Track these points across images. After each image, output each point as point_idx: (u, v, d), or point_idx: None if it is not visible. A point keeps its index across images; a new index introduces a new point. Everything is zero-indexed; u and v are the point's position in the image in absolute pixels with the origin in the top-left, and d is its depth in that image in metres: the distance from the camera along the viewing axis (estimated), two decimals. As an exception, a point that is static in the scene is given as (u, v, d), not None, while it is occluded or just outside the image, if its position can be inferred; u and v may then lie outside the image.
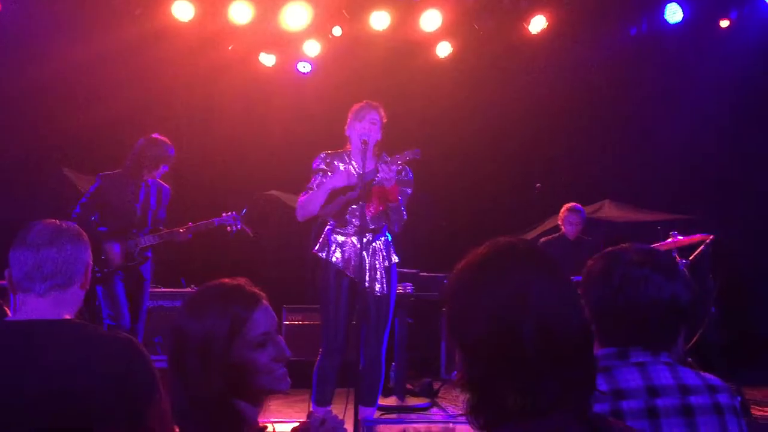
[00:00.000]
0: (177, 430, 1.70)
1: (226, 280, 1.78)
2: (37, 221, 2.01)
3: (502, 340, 1.20)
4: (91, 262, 2.07)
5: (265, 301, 1.77)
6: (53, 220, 2.03)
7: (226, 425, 1.64)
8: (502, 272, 1.26)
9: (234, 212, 5.16)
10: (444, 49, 7.31)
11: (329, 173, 4.26)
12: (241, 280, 1.77)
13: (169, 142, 5.02)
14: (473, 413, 1.25)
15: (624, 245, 1.75)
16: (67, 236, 1.99)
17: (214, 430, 1.64)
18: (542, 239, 6.41)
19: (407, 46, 7.27)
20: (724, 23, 6.94)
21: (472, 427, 1.26)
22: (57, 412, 1.79)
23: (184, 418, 1.68)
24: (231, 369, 1.65)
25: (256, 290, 1.78)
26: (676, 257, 5.21)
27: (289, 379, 1.77)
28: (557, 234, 6.33)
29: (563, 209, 6.30)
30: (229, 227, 5.14)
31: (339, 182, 4.16)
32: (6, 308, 2.38)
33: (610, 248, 1.76)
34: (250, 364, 1.68)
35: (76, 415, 1.80)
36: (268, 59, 7.22)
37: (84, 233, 2.07)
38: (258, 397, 1.74)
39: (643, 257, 1.69)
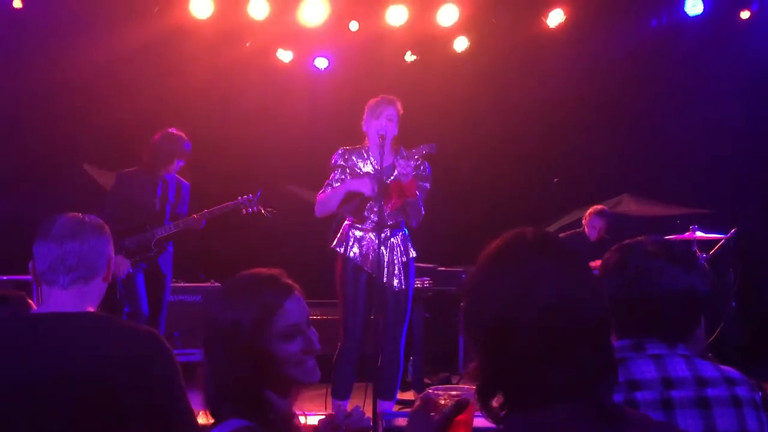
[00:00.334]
0: (207, 416, 1.71)
1: (262, 269, 1.77)
2: (61, 214, 2.04)
3: (507, 331, 1.21)
4: (113, 255, 2.10)
5: (297, 293, 1.74)
6: (76, 214, 2.05)
7: (252, 414, 1.62)
8: (508, 263, 1.26)
9: (250, 194, 5.17)
10: (461, 44, 7.29)
11: (347, 169, 4.28)
12: (276, 271, 1.76)
13: (184, 137, 5.04)
14: (484, 404, 1.26)
15: (640, 237, 1.74)
16: (90, 229, 2.01)
17: (240, 418, 1.61)
18: (561, 234, 6.40)
19: (424, 41, 7.26)
20: (745, 14, 6.86)
21: (485, 418, 1.27)
22: (80, 403, 1.82)
23: (213, 406, 1.68)
24: (257, 358, 1.64)
25: (290, 281, 1.76)
26: (696, 251, 5.17)
27: (318, 371, 1.75)
28: (578, 230, 6.33)
29: (590, 211, 6.38)
30: (244, 209, 5.13)
31: (361, 188, 4.17)
32: (30, 301, 2.42)
33: (624, 242, 1.75)
34: (278, 354, 1.66)
35: (98, 406, 1.83)
36: (285, 55, 7.24)
37: (106, 226, 2.09)
38: (287, 389, 1.72)
39: (659, 248, 1.68)
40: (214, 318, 1.70)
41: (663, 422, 1.46)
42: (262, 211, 5.22)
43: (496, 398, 1.26)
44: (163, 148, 4.96)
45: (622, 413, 1.23)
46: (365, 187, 4.16)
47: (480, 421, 1.37)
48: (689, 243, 5.20)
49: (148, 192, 4.96)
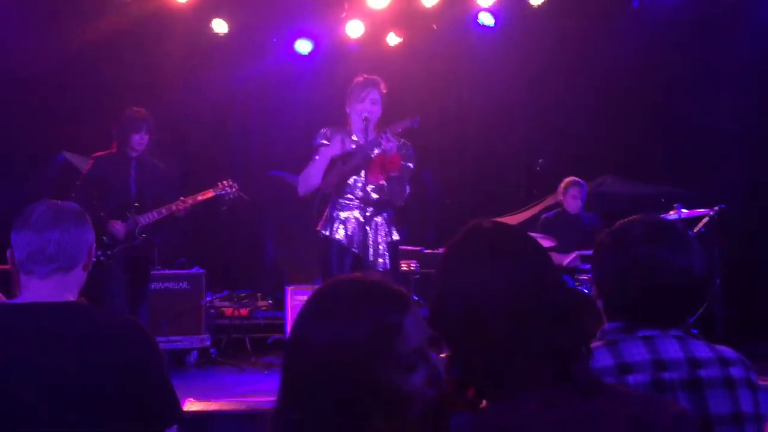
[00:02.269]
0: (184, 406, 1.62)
1: (358, 275, 1.34)
2: (39, 202, 1.99)
3: (475, 321, 1.24)
4: (93, 242, 2.06)
5: (415, 306, 1.30)
6: (55, 201, 2.01)
7: None
8: (468, 255, 1.30)
9: (230, 179, 5.17)
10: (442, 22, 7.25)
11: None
12: (379, 275, 1.34)
13: (141, 112, 4.96)
14: (461, 397, 1.28)
15: (634, 218, 1.69)
16: (70, 217, 1.98)
17: None
18: (544, 215, 6.38)
19: (407, 22, 7.22)
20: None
21: (458, 405, 1.28)
22: (62, 394, 1.80)
23: None
24: (375, 396, 1.20)
25: (403, 290, 1.31)
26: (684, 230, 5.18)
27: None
28: (558, 210, 6.29)
29: (564, 183, 6.21)
30: (226, 196, 5.12)
31: (335, 150, 4.16)
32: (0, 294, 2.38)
33: (619, 222, 1.71)
34: (404, 391, 1.22)
35: (80, 395, 1.81)
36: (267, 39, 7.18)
37: (86, 213, 2.05)
38: None
39: (653, 232, 1.63)
40: (305, 338, 1.25)
41: (645, 393, 1.45)
42: (244, 196, 5.22)
43: (471, 389, 1.28)
44: (120, 127, 4.95)
45: (599, 386, 1.24)
46: (336, 148, 4.15)
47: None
48: (679, 223, 5.22)
49: (122, 175, 4.92)
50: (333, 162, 4.18)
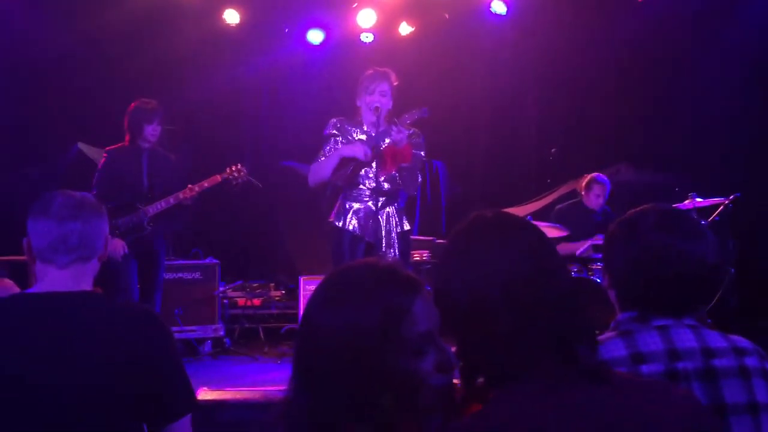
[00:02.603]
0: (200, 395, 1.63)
1: (370, 259, 1.34)
2: (57, 192, 2.00)
3: (481, 309, 1.24)
4: (109, 233, 2.08)
5: (425, 290, 1.28)
6: (73, 192, 2.03)
7: None
8: (471, 245, 1.30)
9: (238, 164, 5.15)
10: (454, 13, 7.21)
11: (341, 138, 4.27)
12: (391, 261, 1.32)
13: (148, 104, 4.95)
14: (468, 386, 1.29)
15: (645, 207, 1.68)
16: (90, 208, 1.99)
17: None
18: (558, 206, 6.32)
19: (418, 12, 7.19)
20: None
21: (466, 394, 1.29)
22: (79, 383, 1.81)
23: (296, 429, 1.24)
24: (385, 382, 1.19)
25: (413, 275, 1.31)
26: (697, 219, 5.15)
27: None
28: (572, 201, 6.23)
29: (588, 179, 6.08)
30: (234, 181, 5.11)
31: (354, 153, 4.15)
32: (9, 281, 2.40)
33: (631, 211, 1.70)
34: (413, 376, 1.20)
35: (98, 386, 1.82)
36: (279, 29, 7.17)
37: (102, 205, 2.07)
38: (421, 423, 1.23)
39: (666, 222, 1.62)
40: (316, 325, 1.24)
41: (654, 381, 1.44)
42: (254, 181, 5.21)
43: (479, 378, 1.29)
44: (132, 118, 4.94)
45: (607, 373, 1.23)
46: (358, 152, 4.14)
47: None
48: (693, 212, 5.18)
49: (134, 166, 4.94)
50: (344, 159, 4.18)
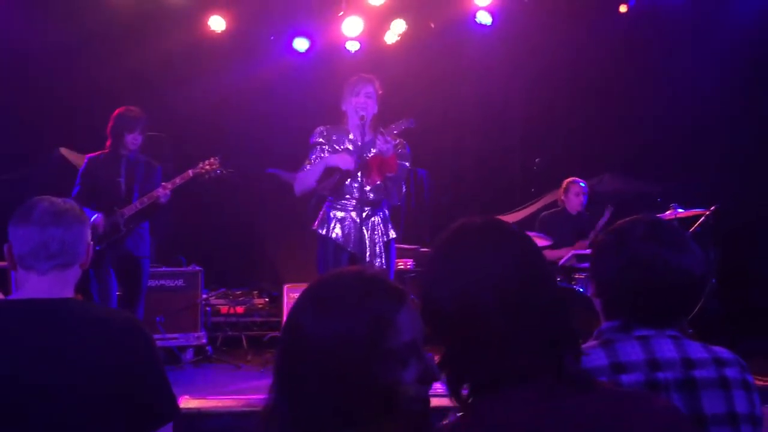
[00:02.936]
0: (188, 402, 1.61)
1: (356, 268, 1.35)
2: (39, 198, 1.99)
3: (467, 316, 1.23)
4: (91, 242, 2.07)
5: (410, 300, 1.29)
6: (56, 198, 2.02)
7: None
8: (460, 251, 1.29)
9: (211, 158, 5.12)
10: (439, 24, 7.25)
11: (326, 147, 4.26)
12: (378, 270, 1.38)
13: (134, 111, 4.96)
14: (454, 394, 1.27)
15: (634, 218, 1.69)
16: (72, 215, 1.98)
17: None
18: (543, 213, 6.37)
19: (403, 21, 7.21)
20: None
21: (452, 402, 1.27)
22: (58, 390, 1.80)
23: None
24: (369, 391, 1.19)
25: (400, 286, 1.32)
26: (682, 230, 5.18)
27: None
28: (557, 209, 6.29)
29: (565, 183, 6.20)
30: (207, 174, 5.08)
31: (340, 164, 4.15)
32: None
33: (620, 221, 1.71)
34: (397, 386, 1.21)
35: (78, 393, 1.81)
36: (264, 36, 7.17)
37: (84, 212, 2.06)
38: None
39: (654, 233, 1.63)
40: (305, 334, 1.23)
41: (636, 391, 1.45)
42: (229, 172, 5.19)
43: (464, 386, 1.27)
44: (113, 126, 4.94)
45: (590, 382, 1.23)
46: (345, 162, 4.13)
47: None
48: (674, 222, 5.22)
49: (113, 173, 4.93)
50: (330, 168, 4.18)
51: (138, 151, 5.02)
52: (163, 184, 4.94)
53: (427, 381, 1.25)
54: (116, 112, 4.98)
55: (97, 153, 5.04)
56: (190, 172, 5.05)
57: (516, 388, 1.20)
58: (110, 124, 4.96)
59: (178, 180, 4.98)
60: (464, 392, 1.27)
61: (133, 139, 4.93)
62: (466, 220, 1.34)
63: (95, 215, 4.77)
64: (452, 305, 1.25)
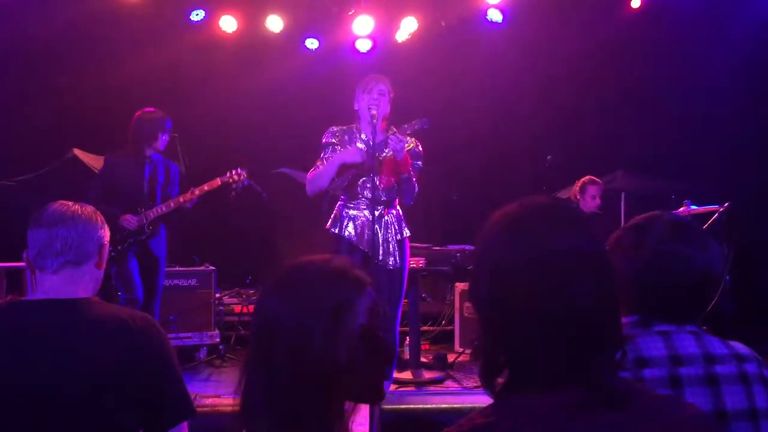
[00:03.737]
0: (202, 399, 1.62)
1: (322, 257, 1.44)
2: (53, 202, 2.04)
3: (515, 301, 1.15)
4: (107, 243, 2.09)
5: (370, 288, 1.42)
6: (67, 202, 2.06)
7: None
8: (523, 230, 1.18)
9: (238, 168, 5.13)
10: (452, 21, 7.24)
11: (338, 147, 4.27)
12: (342, 260, 1.45)
13: (161, 113, 5.02)
14: (485, 382, 1.21)
15: (651, 215, 1.69)
16: (78, 215, 2.01)
17: None
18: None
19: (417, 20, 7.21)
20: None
21: (486, 391, 1.22)
22: (76, 391, 1.81)
23: (257, 421, 1.37)
24: (328, 368, 1.33)
25: (361, 273, 1.43)
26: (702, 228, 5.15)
27: (386, 390, 1.46)
28: (572, 205, 6.25)
29: (581, 182, 6.07)
30: (234, 184, 5.09)
31: (351, 158, 4.15)
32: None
33: (638, 217, 1.70)
34: (353, 363, 1.35)
35: (93, 393, 1.82)
36: (275, 30, 7.18)
37: (99, 213, 2.08)
38: (348, 404, 1.43)
39: (675, 230, 1.63)
40: (276, 319, 1.36)
41: (671, 396, 1.42)
42: (255, 187, 5.21)
43: (494, 378, 1.21)
44: (144, 126, 4.96)
45: (627, 393, 1.15)
46: (356, 156, 4.13)
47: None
48: (696, 219, 5.20)
49: (136, 173, 4.96)
50: (343, 167, 4.18)
51: (161, 151, 5.08)
52: (191, 189, 4.96)
53: (379, 360, 1.39)
54: (144, 113, 5.00)
55: (116, 152, 5.07)
56: (219, 181, 5.06)
57: (545, 394, 1.12)
58: (138, 125, 4.97)
59: (206, 187, 5.01)
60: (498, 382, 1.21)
61: (164, 141, 5.00)
62: (532, 198, 1.24)
63: (127, 215, 4.82)
64: (498, 291, 1.17)
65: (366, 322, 1.37)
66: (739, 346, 1.61)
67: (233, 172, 5.11)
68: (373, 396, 1.44)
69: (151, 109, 5.04)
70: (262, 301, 1.43)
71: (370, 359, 1.37)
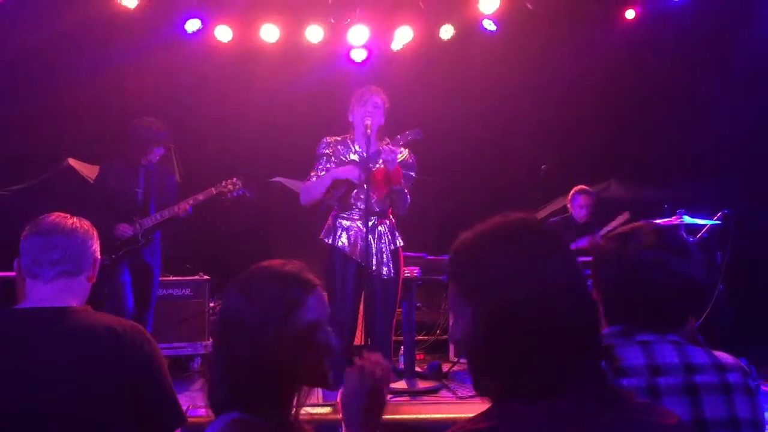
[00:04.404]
0: (207, 412, 1.67)
1: (279, 261, 1.67)
2: (49, 213, 2.04)
3: (527, 315, 1.18)
4: (99, 257, 2.09)
5: (319, 289, 1.66)
6: (65, 214, 2.07)
7: (257, 408, 1.56)
8: (517, 249, 1.24)
9: (234, 178, 5.13)
10: (447, 31, 7.26)
11: (332, 158, 4.28)
12: (297, 264, 1.67)
13: (158, 124, 5.01)
14: (477, 384, 1.25)
15: (636, 225, 1.70)
16: (77, 227, 2.02)
17: (242, 411, 1.56)
18: (551, 220, 6.38)
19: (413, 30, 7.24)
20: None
21: (479, 396, 1.25)
22: (65, 399, 1.80)
23: (218, 400, 1.61)
24: (281, 355, 1.55)
25: (313, 276, 1.67)
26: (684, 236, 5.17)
27: (331, 376, 1.67)
28: (565, 215, 6.30)
29: (572, 192, 6.24)
30: (229, 193, 5.09)
31: (346, 175, 4.17)
32: None
33: (620, 228, 1.72)
34: (300, 353, 1.57)
35: (83, 402, 1.81)
36: (271, 37, 7.19)
37: (93, 228, 2.09)
38: (298, 387, 1.66)
39: (656, 239, 1.64)
40: (237, 314, 1.60)
41: (654, 404, 1.42)
42: (248, 195, 5.21)
43: (491, 385, 1.23)
44: (139, 136, 4.96)
45: (619, 398, 1.21)
46: (352, 174, 4.15)
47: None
48: (679, 228, 5.21)
49: (130, 182, 4.95)
50: (336, 181, 4.20)
51: (156, 161, 5.07)
52: (187, 200, 4.96)
53: (325, 351, 1.61)
54: (140, 122, 4.99)
55: (112, 160, 5.06)
56: (213, 190, 5.06)
57: (543, 401, 1.16)
58: (134, 134, 4.96)
59: (200, 197, 5.00)
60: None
61: (159, 151, 4.98)
62: (523, 216, 1.30)
63: (122, 224, 4.80)
64: (499, 296, 1.20)
65: (314, 318, 1.60)
66: (724, 356, 1.62)
67: (228, 182, 5.11)
68: (321, 382, 1.64)
69: (148, 119, 5.02)
70: (227, 296, 1.64)
71: (316, 350, 1.59)
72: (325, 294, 1.68)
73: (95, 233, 2.07)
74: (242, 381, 1.56)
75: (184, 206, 4.92)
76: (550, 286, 1.19)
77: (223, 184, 5.10)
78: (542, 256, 1.22)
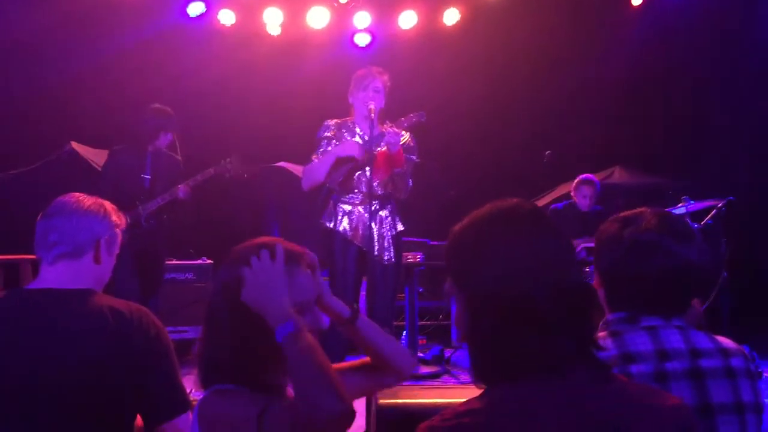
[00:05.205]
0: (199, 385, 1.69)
1: (268, 238, 1.73)
2: (65, 194, 2.04)
3: (514, 300, 1.21)
4: (107, 238, 2.06)
5: (307, 267, 1.71)
6: (78, 193, 2.05)
7: (244, 379, 1.61)
8: (512, 232, 1.27)
9: (232, 156, 5.13)
10: (452, 17, 7.22)
11: (335, 140, 4.26)
12: (280, 239, 1.72)
13: (168, 110, 5.01)
14: (474, 371, 1.27)
15: (637, 210, 1.70)
16: (78, 206, 2.00)
17: (231, 383, 1.62)
18: (552, 206, 6.36)
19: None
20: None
21: (475, 384, 1.27)
22: (68, 379, 1.80)
23: (206, 373, 1.67)
24: (258, 323, 1.58)
25: (304, 251, 1.74)
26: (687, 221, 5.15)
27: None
28: (567, 202, 6.28)
29: (576, 181, 6.20)
30: (227, 173, 5.09)
31: (348, 152, 4.14)
32: None
33: (623, 213, 1.72)
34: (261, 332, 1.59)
35: (89, 385, 1.81)
36: (274, 27, 7.16)
37: (103, 206, 2.06)
38: (282, 363, 1.60)
39: (656, 222, 1.64)
40: (219, 278, 1.69)
41: (645, 385, 1.45)
42: (242, 173, 5.21)
43: (489, 368, 1.26)
44: (148, 122, 4.96)
45: (609, 374, 1.24)
46: (354, 150, 4.12)
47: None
48: (684, 215, 5.19)
49: (137, 168, 4.95)
50: (338, 161, 4.17)
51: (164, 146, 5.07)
52: (187, 182, 4.96)
53: (314, 330, 1.63)
54: (154, 107, 4.99)
55: (121, 146, 5.06)
56: (212, 170, 5.06)
57: (540, 377, 1.19)
58: (146, 119, 4.96)
59: (199, 177, 5.00)
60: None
61: (167, 138, 4.98)
62: (505, 200, 1.33)
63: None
64: (497, 285, 1.23)
65: (306, 297, 1.68)
66: (725, 341, 1.63)
67: (227, 161, 5.12)
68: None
69: (158, 106, 5.02)
70: (220, 268, 1.73)
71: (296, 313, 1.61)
72: (311, 272, 1.73)
73: (101, 211, 2.04)
74: (227, 351, 1.63)
75: (184, 188, 4.92)
76: (536, 271, 1.22)
77: (222, 163, 5.10)
78: (529, 241, 1.25)
